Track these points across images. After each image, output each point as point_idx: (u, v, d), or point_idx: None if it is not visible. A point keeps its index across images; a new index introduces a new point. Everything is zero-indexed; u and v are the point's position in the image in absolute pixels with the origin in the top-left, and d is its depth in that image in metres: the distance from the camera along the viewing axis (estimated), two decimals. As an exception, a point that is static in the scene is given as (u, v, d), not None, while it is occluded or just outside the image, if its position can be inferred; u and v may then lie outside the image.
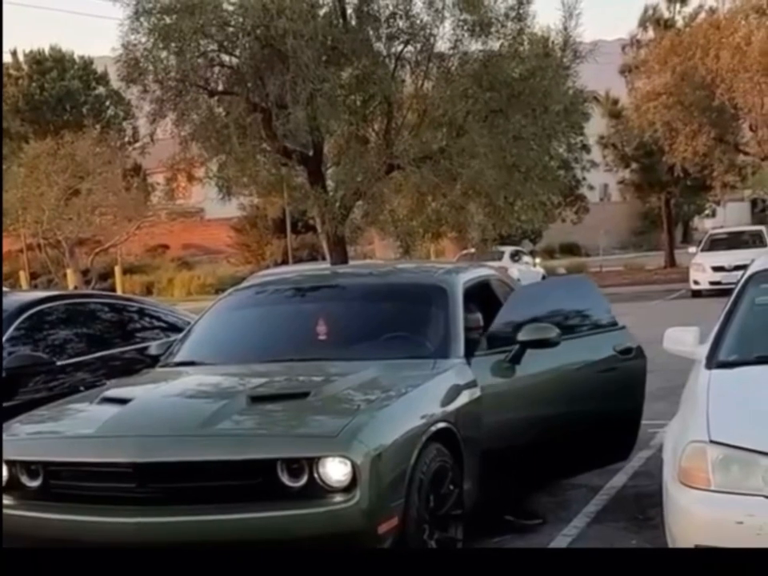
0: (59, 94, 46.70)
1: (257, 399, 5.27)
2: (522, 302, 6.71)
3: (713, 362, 5.31)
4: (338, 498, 4.70)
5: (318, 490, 4.72)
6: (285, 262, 34.95)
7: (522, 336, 6.03)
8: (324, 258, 15.74)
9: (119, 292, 30.38)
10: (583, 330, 6.87)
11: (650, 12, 37.76)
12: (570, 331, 6.62)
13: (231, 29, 12.08)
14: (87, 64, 49.43)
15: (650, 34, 37.37)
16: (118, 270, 35.01)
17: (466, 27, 12.81)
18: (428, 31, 12.81)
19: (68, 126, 38.32)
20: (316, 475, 4.71)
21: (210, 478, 4.83)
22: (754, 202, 67.65)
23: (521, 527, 6.34)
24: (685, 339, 5.79)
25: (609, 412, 6.61)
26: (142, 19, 11.93)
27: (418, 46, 12.90)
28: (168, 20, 11.79)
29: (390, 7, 12.83)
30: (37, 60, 47.53)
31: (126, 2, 11.91)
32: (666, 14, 37.55)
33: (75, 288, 29.87)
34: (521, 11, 12.95)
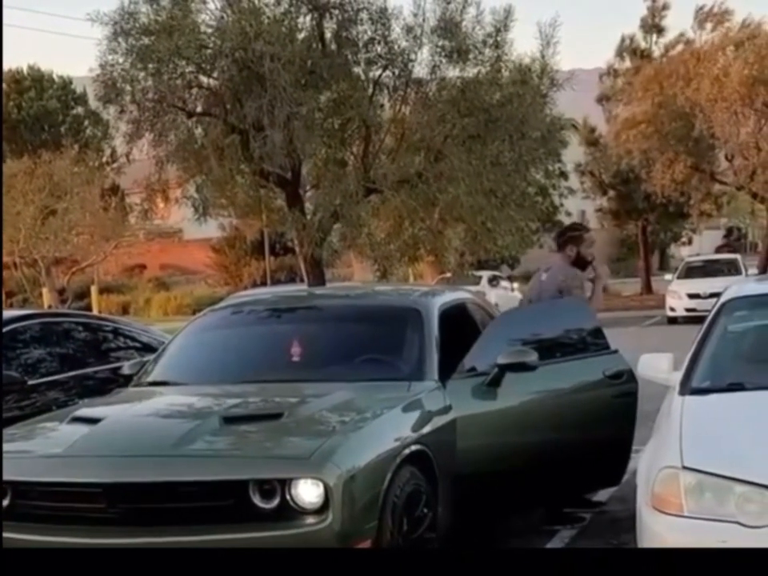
0: (37, 114, 46.61)
1: (230, 420, 5.25)
2: (509, 324, 6.69)
3: (686, 388, 5.32)
4: (311, 519, 4.67)
5: (290, 512, 4.69)
6: (263, 284, 34.91)
7: (500, 359, 6.00)
8: (302, 280, 15.75)
9: (95, 312, 30.24)
10: (571, 354, 6.77)
11: (627, 42, 38.14)
12: (556, 355, 6.59)
13: (209, 51, 12.07)
14: (66, 84, 49.39)
15: (627, 63, 37.75)
16: (94, 289, 34.86)
17: (443, 53, 12.87)
18: (406, 57, 12.86)
19: (46, 145, 38.23)
20: (288, 497, 4.69)
21: (181, 499, 4.79)
22: (729, 230, 68.27)
23: None
24: (659, 365, 5.81)
25: (595, 437, 6.48)
26: (120, 40, 11.93)
27: (396, 71, 12.94)
28: (146, 41, 11.80)
29: (369, 32, 12.88)
30: (15, 79, 47.43)
31: (105, 22, 11.90)
32: (643, 44, 37.95)
33: (50, 307, 29.71)
34: (498, 38, 13.03)
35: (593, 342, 6.90)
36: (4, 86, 46.44)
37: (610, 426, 6.60)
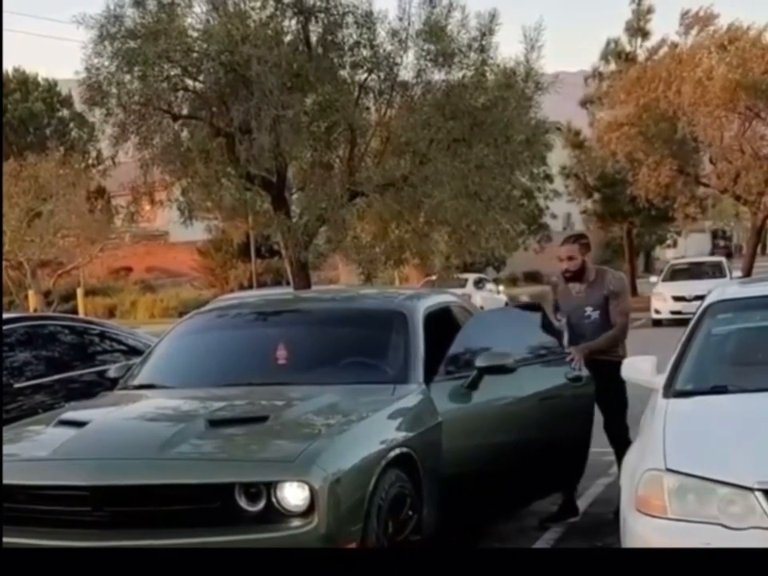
0: (22, 116, 46.49)
1: (215, 423, 5.26)
2: (477, 329, 6.77)
3: (670, 391, 5.36)
4: (296, 522, 4.68)
5: (276, 515, 4.70)
6: (249, 286, 34.86)
7: (479, 362, 6.07)
8: (289, 283, 15.76)
9: (81, 314, 30.18)
10: (537, 358, 6.98)
11: (612, 45, 38.28)
12: (523, 359, 6.71)
13: (195, 54, 12.06)
14: (51, 86, 49.27)
15: (612, 66, 37.87)
16: (80, 292, 34.76)
17: (429, 57, 12.89)
18: (391, 60, 12.87)
19: (31, 147, 38.11)
20: (274, 500, 4.70)
21: (167, 502, 4.80)
22: (714, 233, 68.60)
23: None
24: (643, 368, 5.84)
25: (559, 438, 6.71)
26: (105, 43, 11.91)
27: (382, 74, 12.95)
28: (132, 44, 11.78)
29: (354, 36, 12.88)
30: (0, 82, 47.26)
31: (90, 25, 11.89)
32: (628, 48, 38.09)
33: (36, 310, 29.62)
34: (483, 42, 13.06)
35: (554, 348, 7.12)
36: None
37: (572, 427, 6.86)
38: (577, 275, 7.24)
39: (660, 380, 5.54)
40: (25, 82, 48.24)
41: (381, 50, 12.92)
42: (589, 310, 7.16)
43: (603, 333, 7.12)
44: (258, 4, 12.65)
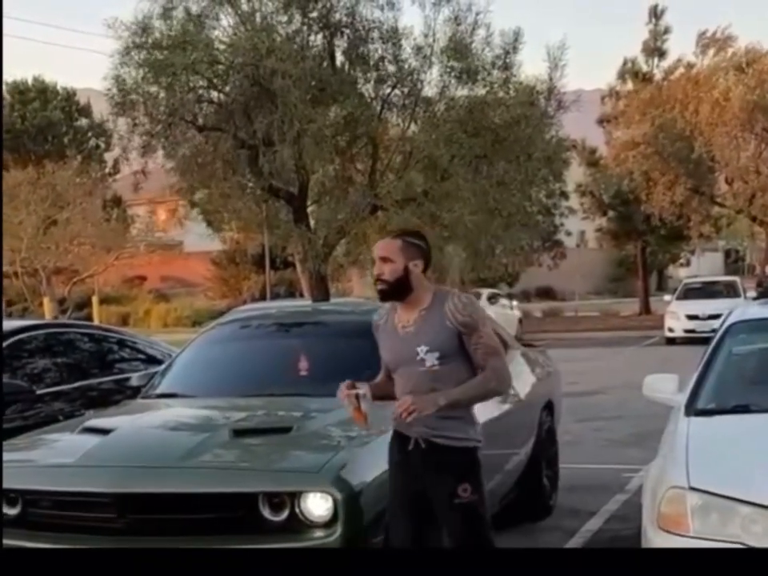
0: (41, 125, 46.73)
1: (239, 433, 5.29)
2: None
3: (691, 409, 5.38)
4: (319, 533, 4.70)
5: (299, 525, 4.72)
6: (262, 298, 34.92)
7: None
8: (302, 295, 15.76)
9: (96, 322, 30.29)
10: None
11: (629, 65, 38.31)
12: None
13: (221, 66, 12.15)
14: (70, 95, 49.55)
15: (629, 85, 37.89)
16: (95, 300, 34.89)
17: (453, 74, 12.93)
18: (416, 76, 12.92)
19: (49, 156, 38.32)
20: (297, 510, 4.72)
21: (190, 511, 4.82)
22: (727, 253, 68.46)
23: None
24: (664, 386, 5.87)
25: None
26: (132, 53, 12.00)
27: (406, 90, 13.00)
28: (159, 55, 11.87)
29: (379, 51, 12.95)
30: (20, 90, 47.59)
31: (118, 35, 11.98)
32: (645, 68, 38.11)
33: (54, 317, 29.75)
34: (507, 60, 13.10)
35: None
36: (8, 96, 46.62)
37: None
38: (394, 291, 4.44)
39: (681, 398, 5.57)
40: (44, 91, 48.52)
41: (405, 66, 12.97)
42: (422, 351, 4.34)
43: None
44: (285, 18, 12.73)
